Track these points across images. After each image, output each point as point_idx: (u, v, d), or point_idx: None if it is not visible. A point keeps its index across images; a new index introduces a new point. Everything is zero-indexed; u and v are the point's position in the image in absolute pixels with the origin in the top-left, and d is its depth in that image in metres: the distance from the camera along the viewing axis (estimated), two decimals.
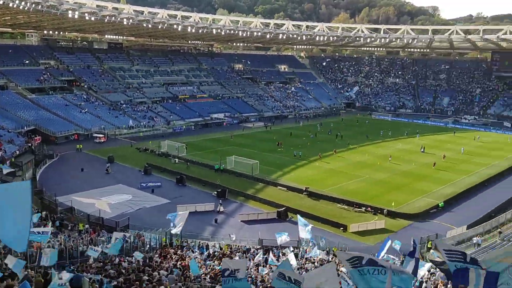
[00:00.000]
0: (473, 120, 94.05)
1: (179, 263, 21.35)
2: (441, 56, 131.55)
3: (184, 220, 27.27)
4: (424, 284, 17.87)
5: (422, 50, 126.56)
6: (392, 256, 24.76)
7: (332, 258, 26.60)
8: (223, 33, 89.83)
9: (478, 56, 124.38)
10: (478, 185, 47.29)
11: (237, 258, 26.38)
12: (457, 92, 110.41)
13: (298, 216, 30.15)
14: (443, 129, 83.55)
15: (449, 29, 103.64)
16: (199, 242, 30.97)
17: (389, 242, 23.97)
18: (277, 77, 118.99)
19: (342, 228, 35.59)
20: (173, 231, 28.03)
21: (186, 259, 24.44)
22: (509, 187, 47.32)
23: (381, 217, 38.05)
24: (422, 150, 62.88)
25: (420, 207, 40.32)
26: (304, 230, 27.99)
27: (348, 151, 62.78)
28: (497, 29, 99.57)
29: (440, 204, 40.87)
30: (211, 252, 27.27)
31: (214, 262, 23.46)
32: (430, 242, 32.08)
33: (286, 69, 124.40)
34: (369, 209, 39.54)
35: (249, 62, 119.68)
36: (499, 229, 36.19)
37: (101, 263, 18.56)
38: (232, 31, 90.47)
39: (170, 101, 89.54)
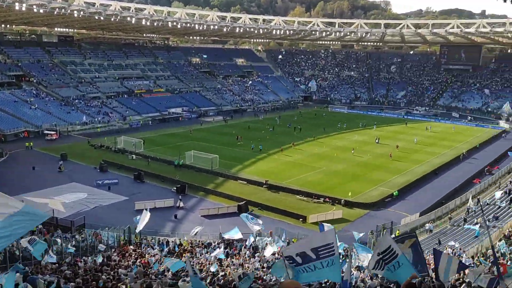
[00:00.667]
0: (424, 111, 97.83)
1: (138, 260, 21.00)
2: (393, 50, 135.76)
3: (146, 219, 26.86)
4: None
5: (375, 43, 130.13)
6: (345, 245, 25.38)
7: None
8: (179, 26, 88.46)
9: (428, 49, 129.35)
10: (429, 174, 49.33)
11: (198, 253, 26.27)
12: (408, 84, 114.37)
13: (241, 215, 30.00)
14: (396, 120, 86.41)
15: (400, 23, 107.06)
16: (159, 238, 30.57)
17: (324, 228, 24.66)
18: (235, 70, 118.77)
19: (301, 219, 36.19)
20: (137, 230, 27.71)
21: (146, 256, 24.10)
22: (457, 175, 49.67)
23: (339, 207, 39.00)
24: (376, 141, 64.81)
25: (376, 196, 41.64)
26: (253, 224, 28.04)
27: (306, 143, 63.73)
28: (445, 23, 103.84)
29: (394, 193, 42.36)
30: (171, 248, 26.99)
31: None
32: (385, 230, 33.22)
33: (244, 63, 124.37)
34: (327, 199, 40.40)
35: (206, 56, 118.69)
36: (449, 215, 38.04)
37: (57, 264, 17.95)
38: (188, 24, 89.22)
39: (125, 96, 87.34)
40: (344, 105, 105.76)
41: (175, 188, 42.61)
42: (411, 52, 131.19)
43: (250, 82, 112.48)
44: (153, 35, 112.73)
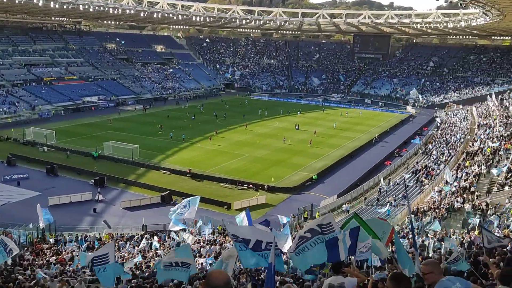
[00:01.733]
0: (340, 98, 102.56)
1: (54, 258, 19.85)
2: (310, 38, 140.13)
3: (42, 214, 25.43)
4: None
5: (293, 32, 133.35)
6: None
7: (217, 237, 27.14)
8: (91, 9, 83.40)
9: (342, 38, 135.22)
10: (345, 157, 52.04)
11: (120, 246, 25.47)
12: (325, 72, 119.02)
13: (197, 197, 29.78)
14: (315, 107, 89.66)
15: (316, 13, 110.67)
16: (77, 234, 29.09)
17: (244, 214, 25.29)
18: (154, 57, 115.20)
19: (226, 207, 36.45)
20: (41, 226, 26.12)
21: (63, 253, 22.88)
22: (370, 158, 52.92)
23: (262, 192, 39.83)
24: (296, 127, 66.85)
25: (297, 180, 43.10)
26: (195, 209, 27.89)
27: (229, 131, 63.97)
28: (357, 14, 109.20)
29: (314, 176, 44.14)
30: (91, 244, 25.84)
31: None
32: (306, 213, 34.58)
33: (164, 50, 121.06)
34: (251, 186, 41.05)
35: (123, 42, 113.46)
36: (364, 196, 40.53)
37: None
38: (101, 8, 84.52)
39: (34, 84, 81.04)
40: (265, 93, 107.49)
41: (93, 181, 40.70)
42: (327, 41, 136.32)
43: (171, 69, 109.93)
44: (63, 18, 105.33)
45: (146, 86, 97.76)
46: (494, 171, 34.17)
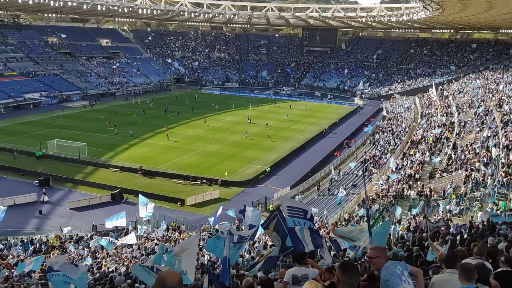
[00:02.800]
0: (290, 91, 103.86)
1: None
2: (260, 32, 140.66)
3: None
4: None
5: (243, 25, 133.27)
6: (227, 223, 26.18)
7: (172, 234, 26.84)
8: (30, 2, 79.34)
9: (291, 32, 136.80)
10: (297, 149, 52.89)
11: (71, 247, 24.61)
12: (275, 65, 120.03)
13: (140, 195, 29.38)
14: (266, 100, 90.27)
15: (265, 7, 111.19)
16: (22, 237, 27.73)
17: (221, 208, 25.42)
18: (99, 51, 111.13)
19: (179, 203, 36.05)
20: None
21: (8, 258, 21.79)
22: (321, 149, 54.11)
23: (216, 187, 39.73)
24: (249, 121, 67.05)
25: (250, 174, 43.32)
26: (145, 208, 27.52)
27: (180, 126, 63.13)
28: (305, 7, 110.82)
29: (267, 169, 44.56)
30: (37, 247, 24.74)
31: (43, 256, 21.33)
32: (260, 205, 34.88)
33: (109, 44, 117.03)
34: (204, 181, 40.82)
35: (65, 35, 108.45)
36: (316, 186, 41.42)
37: None
38: (41, 0, 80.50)
39: None
40: (216, 87, 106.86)
41: (38, 182, 38.88)
42: (277, 35, 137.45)
43: (118, 64, 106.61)
44: (0, 12, 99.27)
45: (92, 81, 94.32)
46: (435, 158, 36.02)
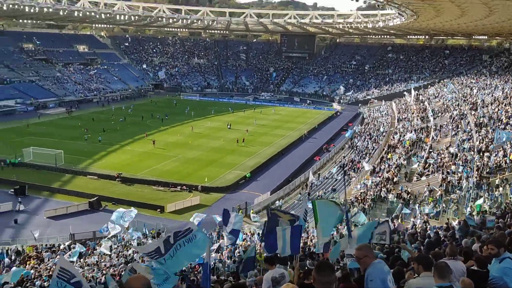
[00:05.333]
0: (270, 97, 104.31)
1: None
2: (239, 38, 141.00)
3: None
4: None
5: (222, 31, 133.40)
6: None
7: (151, 241, 26.54)
8: (4, 7, 77.68)
9: (270, 38, 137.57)
10: (276, 155, 53.11)
11: (45, 258, 24.11)
12: (254, 71, 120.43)
13: (113, 213, 28.68)
14: (245, 106, 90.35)
15: (244, 13, 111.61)
16: None
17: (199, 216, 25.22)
18: (76, 58, 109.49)
19: (159, 210, 35.73)
20: None
21: None
22: (300, 154, 54.43)
23: (196, 193, 39.55)
24: (228, 126, 67.02)
25: (231, 179, 43.28)
26: (121, 222, 27.09)
27: (159, 132, 62.63)
28: (283, 14, 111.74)
29: (247, 175, 44.59)
30: (13, 258, 24.14)
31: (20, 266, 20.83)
32: (241, 211, 34.83)
33: (86, 50, 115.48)
34: (184, 187, 40.58)
35: (41, 42, 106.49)
36: (296, 191, 41.64)
37: None
38: (16, 6, 78.93)
39: None
40: (195, 93, 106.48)
41: (13, 190, 37.96)
42: (256, 41, 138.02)
43: (95, 70, 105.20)
44: None
45: (69, 87, 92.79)
46: (413, 162, 36.69)
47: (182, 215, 35.09)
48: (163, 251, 6.74)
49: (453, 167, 31.11)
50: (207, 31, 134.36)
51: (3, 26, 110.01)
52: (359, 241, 7.57)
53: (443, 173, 30.81)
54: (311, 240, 21.69)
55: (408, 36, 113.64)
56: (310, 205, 8.26)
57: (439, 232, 16.19)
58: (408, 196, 30.44)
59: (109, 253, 23.53)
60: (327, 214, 8.08)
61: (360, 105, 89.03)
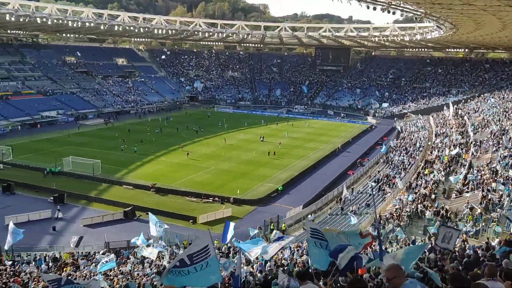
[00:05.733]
0: (303, 110, 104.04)
1: (12, 280, 18.94)
2: (273, 51, 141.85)
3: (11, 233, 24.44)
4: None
5: (256, 45, 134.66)
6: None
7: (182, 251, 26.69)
8: (49, 22, 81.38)
9: (304, 51, 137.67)
10: (309, 168, 52.63)
11: (81, 265, 24.65)
12: (288, 84, 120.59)
13: (149, 214, 29.44)
14: (278, 119, 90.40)
15: (278, 26, 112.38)
16: (35, 254, 27.89)
17: (231, 225, 25.25)
18: (115, 70, 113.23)
19: (191, 221, 35.98)
20: (6, 246, 24.96)
21: (21, 274, 21.88)
22: (334, 167, 53.80)
23: (228, 205, 39.60)
24: (261, 139, 67.15)
25: (262, 192, 43.15)
26: (155, 227, 27.49)
27: (194, 144, 63.46)
28: (318, 27, 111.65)
29: (279, 188, 44.35)
30: (50, 264, 24.82)
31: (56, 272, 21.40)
32: (272, 224, 34.62)
33: (125, 63, 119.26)
34: (216, 198, 40.76)
35: (80, 54, 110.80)
36: (329, 206, 41.05)
37: None
38: (60, 21, 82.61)
39: None
40: (229, 105, 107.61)
41: (52, 198, 39.25)
42: (289, 54, 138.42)
43: (133, 82, 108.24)
44: (20, 31, 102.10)
45: (107, 99, 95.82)
46: (452, 178, 35.48)
47: (214, 227, 35.18)
48: (178, 264, 6.91)
49: (493, 185, 29.88)
50: (242, 44, 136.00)
51: (48, 40, 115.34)
52: (403, 264, 7.30)
53: (483, 191, 29.63)
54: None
55: (447, 49, 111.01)
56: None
57: (478, 252, 15.50)
58: (447, 213, 29.39)
59: (155, 258, 23.79)
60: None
61: (395, 119, 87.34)
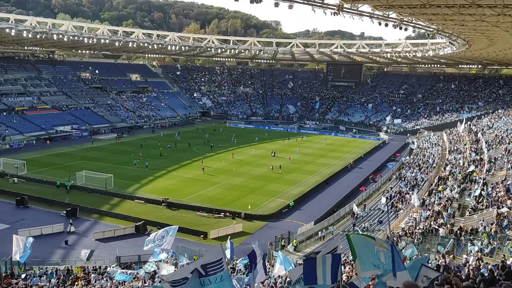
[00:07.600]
0: (315, 125, 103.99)
1: None
2: (285, 67, 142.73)
3: (21, 245, 24.56)
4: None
5: (268, 61, 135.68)
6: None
7: None
8: (65, 39, 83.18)
9: (316, 67, 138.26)
10: (321, 184, 52.35)
11: (92, 279, 24.65)
12: (300, 100, 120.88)
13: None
14: (290, 134, 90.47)
15: (290, 42, 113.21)
16: (47, 268, 28.01)
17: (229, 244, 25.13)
18: (129, 86, 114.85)
19: (202, 236, 35.89)
20: (14, 258, 25.08)
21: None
22: (345, 184, 53.45)
23: (239, 220, 39.48)
24: (272, 154, 67.13)
25: (274, 207, 42.96)
26: (168, 240, 27.33)
27: (206, 158, 63.65)
28: (330, 43, 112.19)
29: (290, 203, 44.13)
30: (61, 278, 24.87)
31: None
32: (283, 240, 34.36)
33: (139, 78, 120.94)
34: (227, 214, 40.69)
35: (97, 71, 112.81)
36: (341, 222, 40.64)
37: None
38: (76, 38, 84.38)
39: (4, 113, 79.37)
40: (241, 120, 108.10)
41: (65, 212, 39.56)
42: (301, 70, 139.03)
43: (146, 98, 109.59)
44: (36, 48, 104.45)
45: (121, 114, 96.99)
46: (468, 196, 34.93)
47: (224, 242, 35.04)
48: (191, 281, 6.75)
49: (508, 202, 29.34)
50: (254, 60, 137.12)
51: (63, 56, 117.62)
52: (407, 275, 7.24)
53: (498, 208, 29.09)
54: (355, 273, 20.94)
55: (460, 65, 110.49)
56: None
57: (494, 271, 15.18)
58: (461, 231, 28.87)
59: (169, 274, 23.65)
60: (363, 249, 7.73)
61: (408, 135, 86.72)
